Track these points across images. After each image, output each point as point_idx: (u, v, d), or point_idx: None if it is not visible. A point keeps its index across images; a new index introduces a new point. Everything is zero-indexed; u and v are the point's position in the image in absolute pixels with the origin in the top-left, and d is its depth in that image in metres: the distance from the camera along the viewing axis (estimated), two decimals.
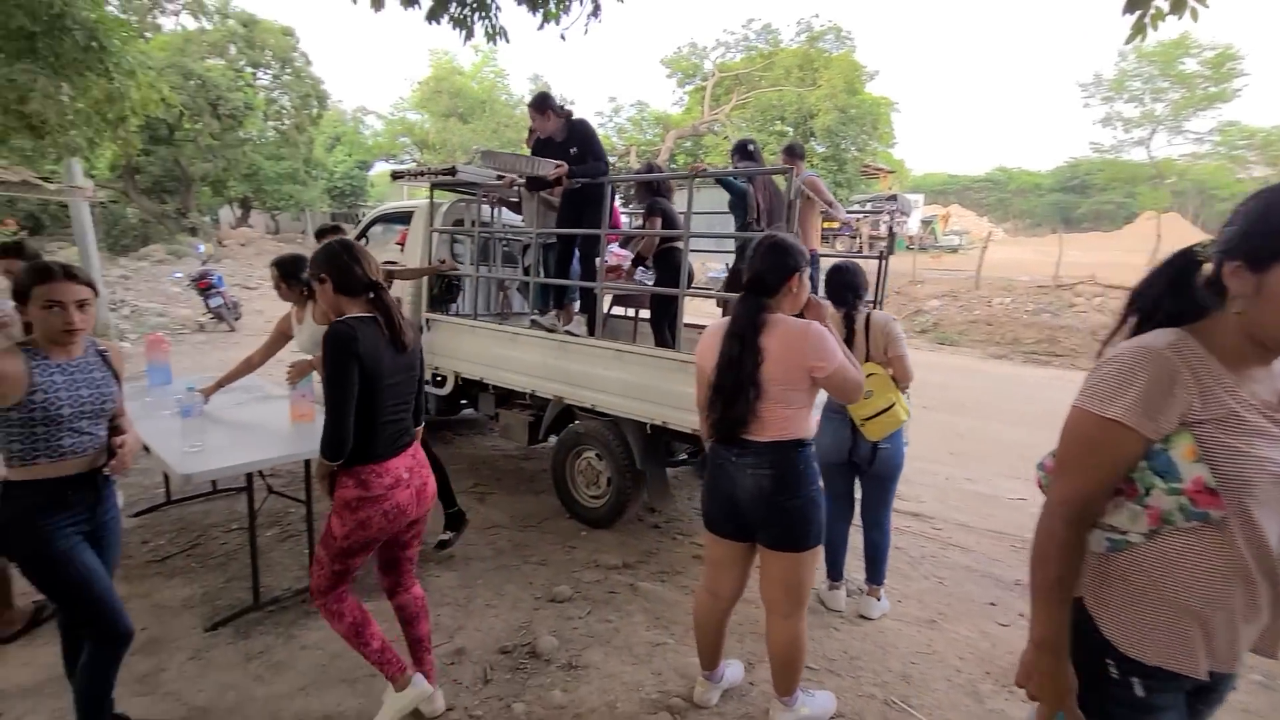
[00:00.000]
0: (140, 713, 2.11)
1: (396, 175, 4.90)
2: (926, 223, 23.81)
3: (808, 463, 1.96)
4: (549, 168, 3.82)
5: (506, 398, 4.42)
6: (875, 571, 2.96)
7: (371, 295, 1.94)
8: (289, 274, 3.07)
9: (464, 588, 3.04)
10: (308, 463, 2.85)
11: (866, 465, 2.80)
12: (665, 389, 3.33)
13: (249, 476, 2.72)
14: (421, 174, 4.41)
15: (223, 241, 19.25)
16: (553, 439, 4.28)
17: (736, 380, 1.87)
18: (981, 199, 45.75)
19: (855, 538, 3.07)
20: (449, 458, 4.90)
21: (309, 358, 3.06)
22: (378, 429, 1.90)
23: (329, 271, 1.93)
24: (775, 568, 1.99)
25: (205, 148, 18.74)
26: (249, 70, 21.34)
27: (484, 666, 2.46)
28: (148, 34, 17.20)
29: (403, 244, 4.98)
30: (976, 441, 5.99)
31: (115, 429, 1.92)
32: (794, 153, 4.29)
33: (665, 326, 4.32)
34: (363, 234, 5.35)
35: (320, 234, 3.94)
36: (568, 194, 3.98)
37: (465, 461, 4.87)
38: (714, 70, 26.29)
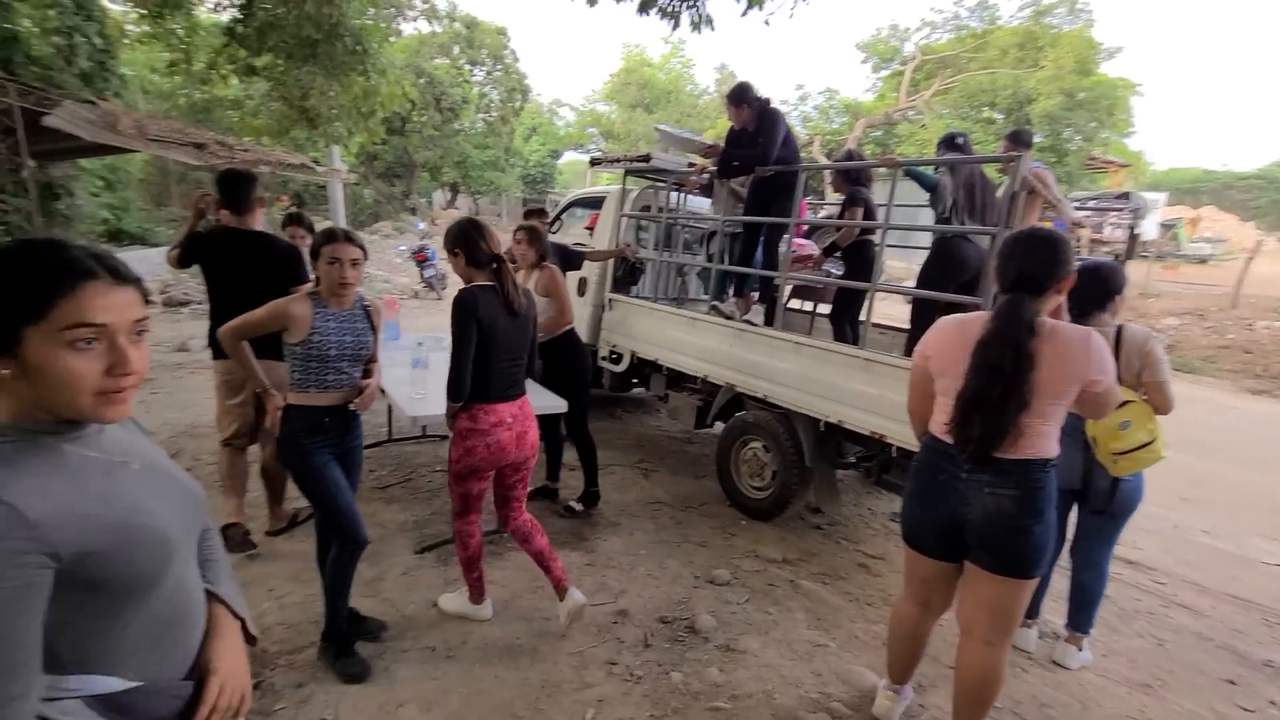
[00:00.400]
0: (365, 610, 2.51)
1: (595, 161, 5.19)
2: (1168, 226, 20.13)
3: (1051, 484, 1.77)
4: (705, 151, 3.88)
5: (677, 380, 4.53)
6: (1081, 618, 2.60)
7: (494, 266, 2.27)
8: (530, 242, 3.44)
9: (628, 555, 3.20)
10: None
11: (1103, 500, 2.40)
12: (845, 387, 3.20)
13: None
14: (617, 160, 4.64)
15: (435, 221, 21.87)
16: (719, 425, 4.32)
17: (1005, 391, 1.66)
18: (1249, 200, 37.34)
19: (1057, 578, 2.73)
20: (616, 432, 5.16)
21: None
22: (491, 377, 2.27)
23: (461, 247, 2.27)
24: (990, 591, 1.82)
25: (427, 138, 21.37)
26: (467, 67, 23.85)
27: (645, 631, 2.58)
28: (392, 38, 19.91)
29: (591, 228, 5.28)
30: (1218, 489, 5.00)
31: (365, 372, 2.29)
32: (1020, 140, 3.81)
33: (847, 322, 4.14)
34: (559, 216, 5.75)
35: (528, 214, 4.32)
36: (756, 182, 3.94)
37: (632, 438, 5.08)
38: (915, 53, 24.32)
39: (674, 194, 4.96)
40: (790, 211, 3.65)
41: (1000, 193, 3.29)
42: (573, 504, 3.62)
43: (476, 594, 2.56)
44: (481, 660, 2.33)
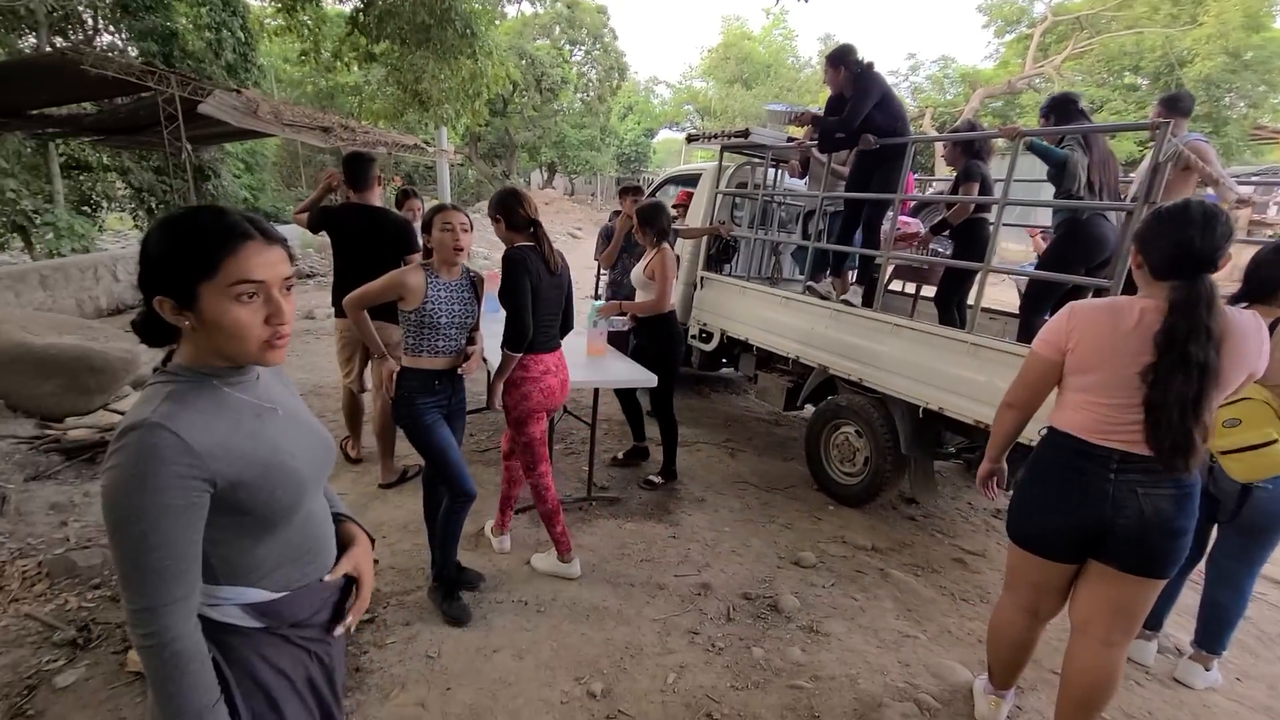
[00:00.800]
0: (466, 562, 2.69)
1: (692, 138, 5.15)
2: None
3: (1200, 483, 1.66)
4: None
5: (767, 361, 4.47)
6: (1213, 638, 2.35)
7: (531, 230, 2.43)
8: (646, 221, 3.51)
9: (712, 531, 3.22)
10: (597, 391, 3.28)
11: (1232, 508, 2.16)
12: (949, 373, 3.04)
13: None
14: (714, 137, 4.58)
15: None
16: (809, 408, 4.23)
17: (1202, 388, 1.49)
18: None
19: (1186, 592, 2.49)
20: (704, 411, 5.18)
21: (617, 302, 3.55)
22: (537, 331, 2.45)
23: (501, 213, 2.42)
24: (1118, 591, 1.70)
25: (527, 118, 21.94)
26: (567, 48, 24.17)
27: (727, 605, 2.60)
28: (498, 20, 20.50)
29: (679, 205, 5.24)
30: None
31: (470, 340, 2.43)
32: (1178, 106, 3.30)
33: (954, 305, 3.91)
34: (653, 194, 5.77)
35: (622, 192, 4.38)
36: (859, 155, 3.76)
37: (719, 417, 5.08)
38: (1046, 13, 22.12)
39: (771, 171, 4.85)
40: (894, 186, 3.47)
41: (1144, 165, 2.97)
42: (653, 478, 3.69)
43: (564, 550, 2.70)
44: (569, 617, 2.45)
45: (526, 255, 2.40)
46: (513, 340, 2.39)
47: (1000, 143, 3.93)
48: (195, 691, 0.82)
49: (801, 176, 4.79)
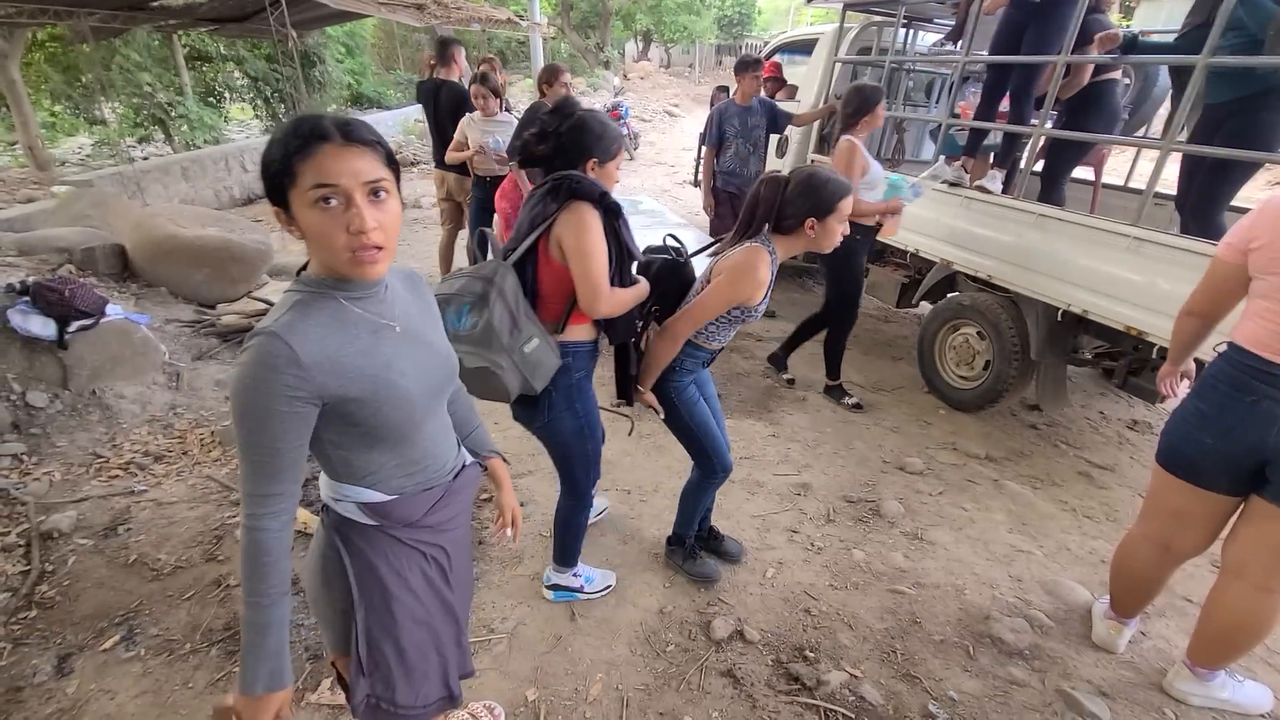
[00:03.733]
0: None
1: None
2: None
3: None
4: None
5: (880, 253, 4.15)
6: None
7: None
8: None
9: (813, 431, 3.17)
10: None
11: None
12: (1100, 270, 2.68)
13: None
14: None
15: (626, 75, 21.31)
16: (925, 306, 3.94)
17: None
18: None
19: None
20: (807, 305, 4.96)
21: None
22: None
23: None
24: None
25: None
26: None
27: (828, 506, 2.60)
28: None
29: (770, 78, 4.66)
30: None
31: None
32: None
33: (1061, 181, 3.37)
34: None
35: (740, 66, 4.00)
36: (1011, 7, 3.16)
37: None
38: None
39: (902, 32, 4.22)
40: (1053, 43, 2.90)
41: None
42: (787, 377, 3.70)
43: None
44: (670, 507, 2.51)
45: None
46: None
47: None
48: (261, 580, 0.88)
49: (955, 40, 4.11)
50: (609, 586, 2.12)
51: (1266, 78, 2.46)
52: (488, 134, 3.78)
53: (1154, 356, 2.68)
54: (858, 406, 3.43)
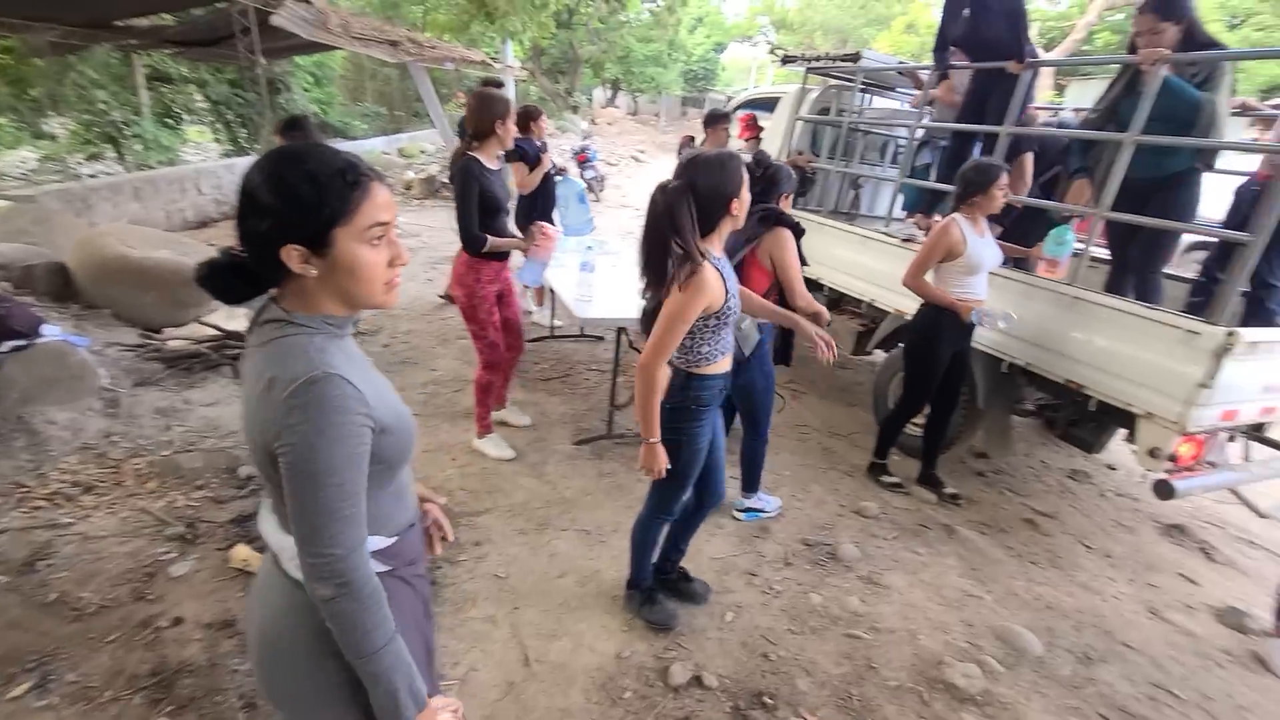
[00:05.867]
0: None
1: (788, 60, 4.70)
2: None
3: None
4: None
5: (837, 302, 4.29)
6: None
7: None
8: None
9: (771, 474, 3.19)
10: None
11: None
12: (1039, 326, 2.84)
13: (619, 331, 3.20)
14: (817, 59, 4.20)
15: (595, 120, 21.83)
16: (879, 354, 4.07)
17: None
18: None
19: None
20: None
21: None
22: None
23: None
24: None
25: (593, 31, 20.96)
26: None
27: (786, 549, 2.62)
28: None
29: (747, 136, 4.92)
30: None
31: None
32: None
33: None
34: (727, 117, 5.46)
35: (709, 120, 4.18)
36: (976, 76, 3.43)
37: None
38: None
39: (859, 96, 4.48)
40: (1007, 113, 3.14)
41: None
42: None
43: (483, 426, 3.01)
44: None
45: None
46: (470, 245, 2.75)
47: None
48: (389, 621, 0.86)
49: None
50: (780, 507, 2.86)
51: (1190, 158, 2.73)
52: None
53: (1092, 409, 2.83)
54: (955, 498, 3.12)
